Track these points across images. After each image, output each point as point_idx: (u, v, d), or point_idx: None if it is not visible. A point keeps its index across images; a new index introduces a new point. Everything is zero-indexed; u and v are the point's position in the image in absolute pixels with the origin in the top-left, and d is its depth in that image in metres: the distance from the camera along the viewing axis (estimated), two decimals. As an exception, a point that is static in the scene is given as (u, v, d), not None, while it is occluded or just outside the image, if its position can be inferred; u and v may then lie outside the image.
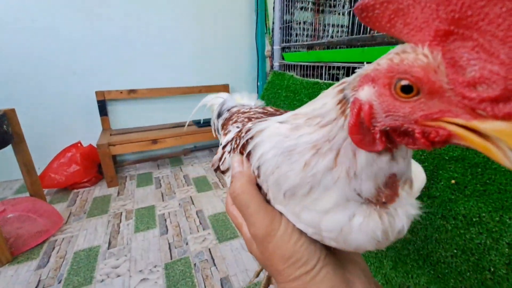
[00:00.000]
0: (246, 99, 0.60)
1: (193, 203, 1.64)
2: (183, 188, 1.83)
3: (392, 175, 0.22)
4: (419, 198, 0.56)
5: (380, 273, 0.66)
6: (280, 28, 1.22)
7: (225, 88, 2.49)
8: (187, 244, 1.28)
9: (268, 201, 0.27)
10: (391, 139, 0.20)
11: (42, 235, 1.32)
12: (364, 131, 0.20)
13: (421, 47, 0.16)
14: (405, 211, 0.23)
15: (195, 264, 1.15)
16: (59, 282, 1.07)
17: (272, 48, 1.31)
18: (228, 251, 1.22)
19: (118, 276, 1.10)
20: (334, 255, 0.27)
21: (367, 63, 0.21)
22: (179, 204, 1.63)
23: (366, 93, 0.20)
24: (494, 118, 0.14)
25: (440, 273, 0.52)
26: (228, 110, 0.58)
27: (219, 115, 0.61)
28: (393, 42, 0.86)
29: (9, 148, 1.48)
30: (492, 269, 0.45)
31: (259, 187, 0.28)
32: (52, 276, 1.10)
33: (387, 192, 0.22)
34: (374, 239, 0.22)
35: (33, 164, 1.46)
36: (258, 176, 0.27)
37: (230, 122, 0.49)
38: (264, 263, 0.27)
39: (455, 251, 0.49)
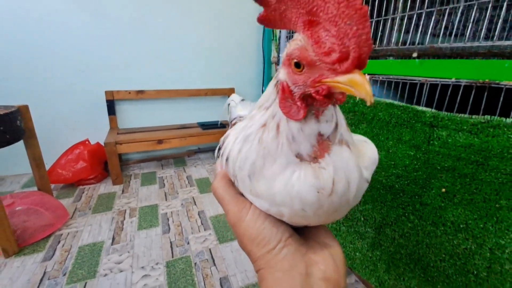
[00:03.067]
0: (244, 110, 0.64)
1: (195, 204, 1.67)
2: (186, 189, 1.86)
3: (319, 134, 0.27)
4: (412, 204, 0.59)
5: (374, 275, 0.69)
6: (287, 37, 1.26)
7: (230, 91, 2.54)
8: (188, 243, 1.32)
9: (241, 194, 0.33)
10: (308, 105, 0.26)
11: (48, 228, 1.36)
12: (289, 103, 0.26)
13: (299, 34, 0.24)
14: (335, 163, 0.27)
15: (195, 263, 1.19)
16: (64, 275, 1.11)
17: (279, 56, 1.35)
18: (228, 252, 1.26)
19: (121, 271, 1.13)
20: (301, 238, 0.31)
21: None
22: (182, 204, 1.67)
23: (282, 74, 0.27)
24: (342, 73, 0.21)
25: (429, 276, 0.55)
26: (231, 122, 0.62)
27: (230, 121, 0.65)
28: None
29: (18, 143, 1.54)
30: (475, 272, 0.48)
31: (234, 184, 0.34)
32: (57, 269, 1.14)
33: (317, 152, 0.27)
34: (313, 187, 0.26)
35: (43, 159, 1.51)
36: (230, 172, 0.33)
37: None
38: (240, 245, 0.32)
39: (443, 255, 0.53)
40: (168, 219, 1.50)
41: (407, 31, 0.97)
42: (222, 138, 0.38)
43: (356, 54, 0.20)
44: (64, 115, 2.00)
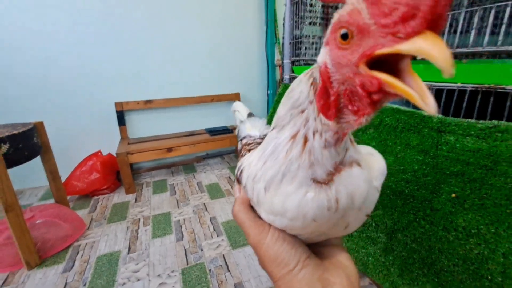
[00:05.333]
0: (254, 129, 0.63)
1: (206, 210, 1.70)
2: (196, 195, 1.89)
3: (335, 161, 0.27)
4: (422, 210, 0.59)
5: (388, 280, 0.69)
6: (290, 43, 1.28)
7: (236, 96, 2.57)
8: (202, 250, 1.34)
9: (259, 217, 0.34)
10: (341, 112, 0.24)
11: (67, 240, 1.41)
12: (326, 96, 0.24)
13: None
14: (345, 186, 0.28)
15: (210, 270, 1.21)
16: (84, 285, 1.14)
17: (282, 62, 1.36)
18: (241, 257, 1.27)
19: (138, 280, 1.16)
20: (317, 259, 0.32)
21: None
22: (193, 210, 1.70)
23: (322, 56, 0.23)
24: (407, 36, 0.16)
25: (443, 281, 0.56)
26: (241, 140, 0.62)
27: (238, 137, 0.65)
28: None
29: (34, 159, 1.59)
30: (489, 277, 0.49)
31: (253, 209, 0.35)
32: (78, 279, 1.18)
33: (328, 177, 0.28)
34: (324, 207, 0.27)
35: (59, 172, 1.57)
36: (248, 192, 0.35)
37: (241, 154, 0.54)
38: (262, 266, 0.33)
39: (456, 260, 0.53)
40: (181, 227, 1.53)
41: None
42: (239, 163, 0.39)
43: (427, 6, 0.15)
44: (77, 128, 2.06)
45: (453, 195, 0.54)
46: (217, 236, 1.44)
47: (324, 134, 0.26)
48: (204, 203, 1.78)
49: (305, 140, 0.27)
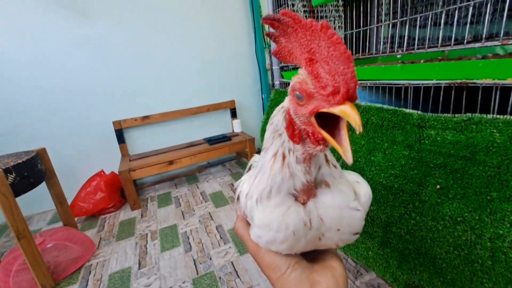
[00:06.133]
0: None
1: (212, 219, 1.73)
2: (201, 205, 1.92)
3: (307, 181, 0.33)
4: (411, 202, 0.62)
5: (388, 272, 0.72)
6: None
7: (231, 103, 2.61)
8: (210, 259, 1.37)
9: None
10: (304, 140, 0.31)
11: (79, 261, 1.44)
12: (292, 129, 0.31)
13: (301, 69, 0.28)
14: (316, 209, 0.34)
15: (220, 278, 1.24)
16: (99, 303, 1.18)
17: (272, 68, 1.40)
18: (249, 263, 1.30)
19: (151, 293, 1.19)
20: (308, 263, 0.37)
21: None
22: (199, 220, 1.73)
23: (286, 102, 0.32)
24: (336, 104, 0.25)
25: (438, 268, 0.59)
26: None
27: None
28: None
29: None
30: (480, 261, 0.52)
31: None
32: (92, 298, 1.21)
33: (304, 197, 0.34)
34: (301, 221, 0.33)
35: (65, 196, 1.60)
36: (242, 210, 0.41)
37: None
38: (262, 271, 0.39)
39: (447, 247, 0.56)
40: (188, 238, 1.56)
41: (393, 25, 1.00)
42: (236, 184, 0.45)
43: (344, 89, 0.24)
44: (78, 150, 2.10)
45: (438, 186, 0.57)
46: (224, 244, 1.47)
47: (295, 152, 0.33)
48: (209, 212, 1.81)
49: (283, 156, 0.33)
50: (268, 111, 1.41)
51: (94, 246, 1.56)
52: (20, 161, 1.26)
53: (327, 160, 0.35)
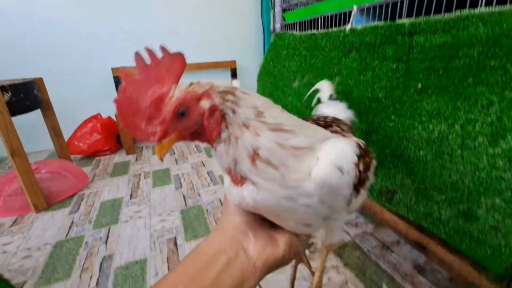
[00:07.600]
0: (329, 109, 0.65)
1: (204, 166, 1.77)
2: (194, 155, 1.96)
3: (225, 168, 0.35)
4: (393, 105, 0.64)
5: (365, 185, 0.76)
6: (282, 9, 1.28)
7: (232, 63, 2.58)
8: (199, 195, 1.42)
9: None
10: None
11: (72, 190, 1.48)
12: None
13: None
14: (247, 193, 0.34)
15: (207, 210, 1.29)
16: (90, 223, 1.23)
17: (274, 10, 1.38)
18: (236, 200, 1.35)
19: (140, 217, 1.24)
20: (257, 226, 0.39)
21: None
22: (192, 166, 1.77)
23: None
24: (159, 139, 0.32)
25: (410, 168, 0.62)
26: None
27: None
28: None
29: (36, 120, 1.66)
30: (450, 152, 0.54)
31: None
32: (83, 219, 1.26)
33: (238, 177, 0.34)
34: (239, 195, 0.35)
35: (60, 129, 1.62)
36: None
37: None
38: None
39: (421, 144, 0.59)
40: (180, 179, 1.61)
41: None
42: None
43: (132, 134, 0.32)
44: (76, 90, 2.11)
45: (419, 85, 0.59)
46: (214, 185, 1.52)
47: None
48: (202, 161, 1.85)
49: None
50: (266, 55, 1.41)
51: (87, 179, 1.60)
52: (16, 82, 1.27)
53: (253, 159, 0.31)
